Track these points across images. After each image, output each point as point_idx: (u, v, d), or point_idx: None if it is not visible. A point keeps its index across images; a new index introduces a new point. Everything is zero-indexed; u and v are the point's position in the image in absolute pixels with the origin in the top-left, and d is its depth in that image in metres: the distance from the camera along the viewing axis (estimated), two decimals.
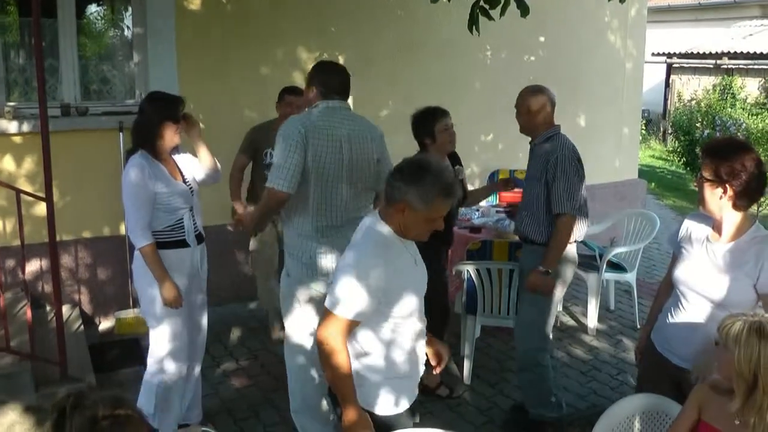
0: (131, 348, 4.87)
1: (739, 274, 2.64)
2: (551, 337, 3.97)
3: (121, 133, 4.97)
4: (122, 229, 5.14)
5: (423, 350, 2.66)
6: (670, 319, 2.84)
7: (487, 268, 4.39)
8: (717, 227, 2.75)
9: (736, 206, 2.65)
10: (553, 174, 3.60)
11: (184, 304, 3.52)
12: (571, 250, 3.81)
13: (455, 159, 4.32)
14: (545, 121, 3.76)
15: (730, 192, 2.61)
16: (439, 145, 4.08)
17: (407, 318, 2.50)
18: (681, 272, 2.81)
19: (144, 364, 4.58)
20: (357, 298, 2.34)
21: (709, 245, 2.75)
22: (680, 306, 2.80)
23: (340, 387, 2.37)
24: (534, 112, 3.73)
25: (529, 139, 3.89)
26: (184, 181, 3.56)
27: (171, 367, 3.57)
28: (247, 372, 4.60)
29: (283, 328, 3.61)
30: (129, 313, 5.13)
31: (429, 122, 4.07)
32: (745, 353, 2.11)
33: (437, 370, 2.83)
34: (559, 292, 3.87)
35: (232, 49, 5.37)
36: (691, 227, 2.87)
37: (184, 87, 5.21)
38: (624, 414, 2.66)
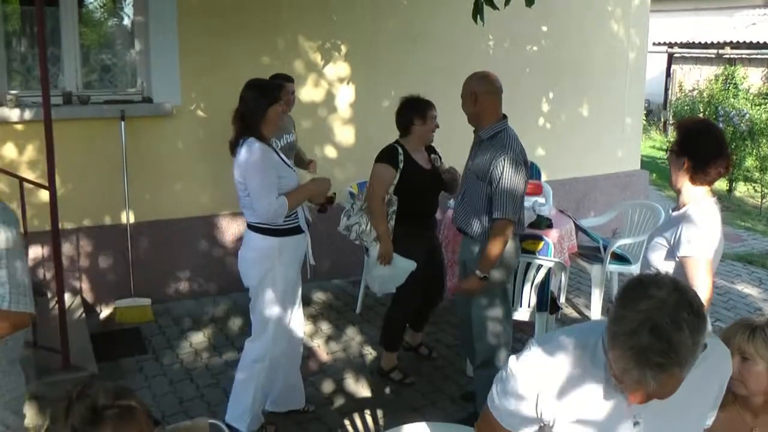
0: (132, 337, 4.87)
1: (662, 240, 2.88)
2: (511, 330, 3.86)
3: (122, 122, 4.95)
4: (123, 218, 5.13)
5: None
6: None
7: None
8: (677, 198, 2.95)
9: (692, 179, 2.83)
10: (499, 176, 3.42)
11: (294, 291, 3.61)
12: (514, 242, 3.72)
13: (430, 149, 4.29)
14: (493, 111, 3.55)
15: (687, 164, 2.80)
16: (426, 130, 4.10)
17: None
18: None
19: (145, 352, 4.62)
20: None
21: (668, 216, 3.01)
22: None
23: None
24: (481, 100, 3.51)
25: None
26: (289, 166, 3.58)
27: (276, 350, 3.62)
28: None
29: None
30: (130, 302, 5.13)
31: (423, 106, 4.10)
32: None
33: None
34: (504, 277, 3.72)
35: (233, 38, 5.33)
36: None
37: (185, 75, 5.20)
38: None
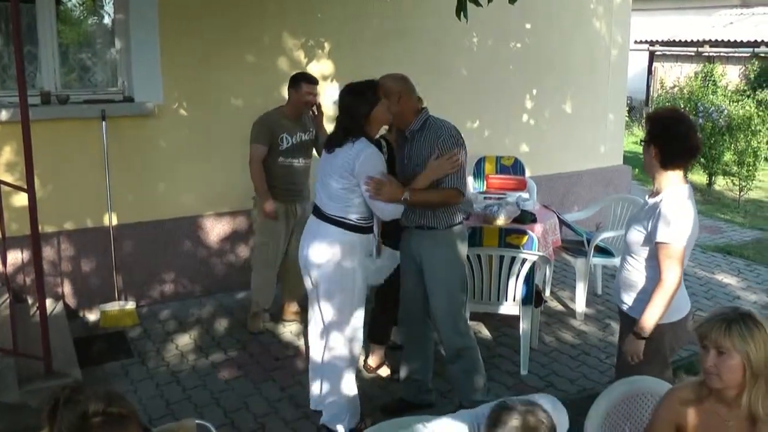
0: (117, 341, 4.81)
1: (639, 226, 3.01)
2: (468, 319, 3.89)
3: (103, 122, 4.89)
4: (106, 220, 5.07)
5: None
6: (618, 274, 3.25)
7: (477, 254, 4.37)
8: (653, 186, 3.07)
9: (663, 165, 2.94)
10: (443, 155, 3.54)
11: (365, 286, 3.69)
12: (461, 228, 3.77)
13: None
14: (414, 106, 3.66)
15: (657, 151, 2.92)
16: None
17: None
18: None
19: (131, 356, 4.56)
20: None
21: (645, 203, 3.10)
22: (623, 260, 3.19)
23: None
24: (404, 99, 3.60)
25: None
26: None
27: (357, 349, 3.71)
28: (236, 362, 4.55)
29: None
30: (114, 306, 5.07)
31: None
32: (757, 348, 2.10)
33: None
34: (462, 271, 3.80)
35: (216, 36, 5.28)
36: None
37: (167, 74, 5.15)
38: (617, 397, 2.66)
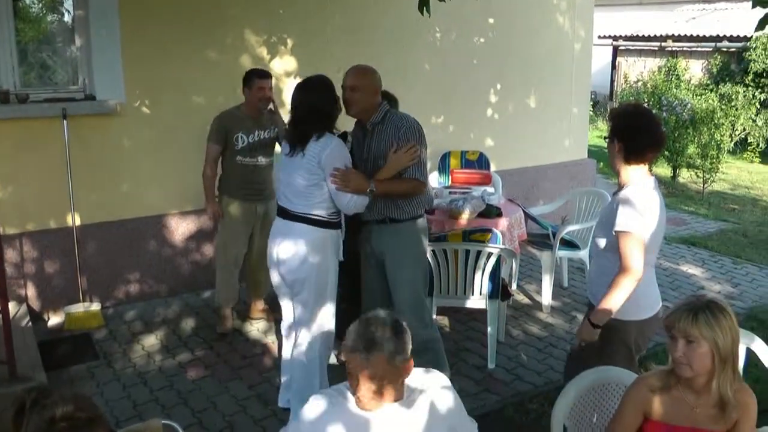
0: (82, 343, 4.75)
1: (607, 223, 2.98)
2: (435, 313, 3.95)
3: (64, 121, 4.82)
4: (69, 221, 5.00)
5: None
6: (589, 270, 3.25)
7: (443, 249, 4.39)
8: (619, 183, 3.06)
9: (628, 161, 2.96)
10: (401, 147, 3.58)
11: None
12: (423, 221, 3.83)
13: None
14: (379, 100, 3.70)
15: (621, 147, 2.94)
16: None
17: None
18: None
19: (97, 358, 4.51)
20: None
21: (612, 198, 3.09)
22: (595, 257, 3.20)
23: None
24: (375, 91, 3.66)
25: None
26: None
27: (329, 344, 3.76)
28: (203, 362, 4.53)
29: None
30: (79, 308, 5.00)
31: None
32: (723, 334, 2.14)
33: None
34: (424, 266, 3.86)
35: (178, 33, 5.23)
36: None
37: (129, 72, 5.09)
38: (585, 387, 2.69)
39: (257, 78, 4.64)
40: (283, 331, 3.88)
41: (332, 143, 3.45)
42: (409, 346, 2.17)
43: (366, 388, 2.09)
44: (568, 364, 3.47)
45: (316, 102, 3.47)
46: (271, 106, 4.80)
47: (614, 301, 2.90)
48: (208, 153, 4.66)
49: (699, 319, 2.15)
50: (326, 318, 3.67)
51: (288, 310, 3.76)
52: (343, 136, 4.06)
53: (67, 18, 5.26)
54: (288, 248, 3.55)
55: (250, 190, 4.74)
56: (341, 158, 3.47)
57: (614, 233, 2.91)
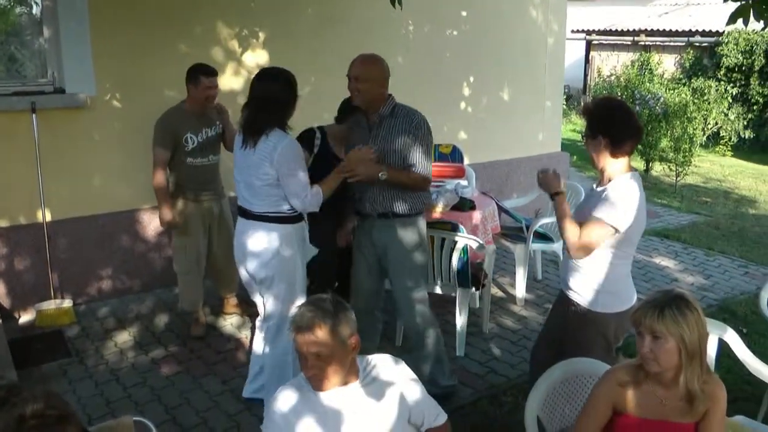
0: (54, 341, 4.69)
1: (584, 211, 3.02)
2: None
3: (34, 115, 4.75)
4: (39, 217, 4.93)
5: None
6: (563, 261, 3.26)
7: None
8: (600, 176, 3.06)
9: (613, 154, 2.95)
10: (413, 141, 3.56)
11: (303, 278, 3.69)
12: (423, 217, 3.83)
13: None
14: (386, 92, 3.64)
15: (605, 142, 2.92)
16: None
17: None
18: None
19: (69, 355, 4.46)
20: None
21: (591, 192, 3.12)
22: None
23: None
24: (382, 82, 3.58)
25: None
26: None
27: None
28: (176, 358, 4.50)
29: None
30: (50, 305, 4.94)
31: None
32: (690, 329, 2.16)
33: None
34: (426, 259, 3.89)
35: (149, 25, 5.17)
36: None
37: (99, 64, 5.02)
38: (557, 379, 2.72)
39: (203, 76, 4.44)
40: (258, 324, 3.88)
41: (283, 142, 3.40)
42: (354, 324, 2.27)
43: (315, 366, 2.18)
44: (535, 352, 3.48)
45: (276, 92, 3.43)
46: (218, 105, 4.66)
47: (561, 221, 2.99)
48: (157, 158, 4.44)
49: (665, 314, 2.16)
50: (289, 311, 3.64)
51: (261, 304, 3.76)
52: (312, 131, 4.05)
53: (35, 10, 5.17)
54: (254, 247, 3.55)
55: (202, 191, 4.59)
56: (294, 157, 3.43)
57: (591, 216, 2.91)
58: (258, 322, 3.88)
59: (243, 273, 3.71)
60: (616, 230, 2.90)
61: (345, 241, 4.31)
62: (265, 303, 3.69)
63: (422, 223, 3.81)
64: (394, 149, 3.58)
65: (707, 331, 2.25)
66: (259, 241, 3.53)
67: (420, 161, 3.59)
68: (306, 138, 4.07)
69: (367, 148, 3.54)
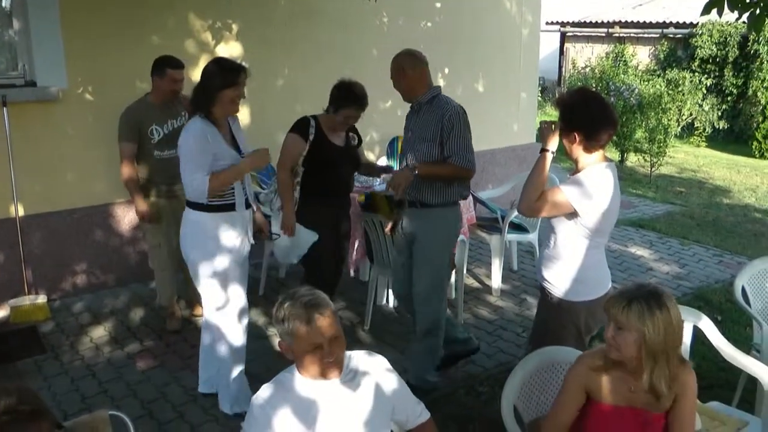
0: (28, 337, 4.65)
1: None
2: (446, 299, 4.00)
3: (4, 108, 4.69)
4: (12, 211, 4.88)
5: None
6: (539, 251, 3.28)
7: (374, 220, 4.52)
8: (575, 167, 3.04)
9: (587, 149, 2.94)
10: (449, 132, 3.63)
11: (236, 266, 3.60)
12: (455, 209, 3.87)
13: (351, 128, 4.29)
14: (423, 81, 3.77)
15: (579, 136, 2.91)
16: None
17: None
18: None
19: (44, 351, 4.42)
20: None
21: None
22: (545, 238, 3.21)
23: None
24: (409, 75, 3.74)
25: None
26: (238, 150, 3.58)
27: (236, 331, 3.72)
28: (152, 353, 4.48)
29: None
30: (24, 300, 4.89)
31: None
32: (655, 329, 2.17)
33: None
34: (447, 252, 3.92)
35: (121, 17, 5.12)
36: None
37: (70, 57, 4.97)
38: (532, 368, 2.74)
39: (169, 68, 4.38)
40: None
41: (190, 127, 3.43)
42: None
43: (336, 350, 2.15)
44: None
45: (203, 78, 3.45)
46: (182, 97, 4.55)
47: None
48: (123, 152, 4.39)
49: (632, 308, 2.18)
50: (231, 304, 3.65)
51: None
52: (306, 120, 4.05)
53: (5, 3, 5.10)
54: (185, 237, 3.60)
55: (176, 185, 4.41)
56: (186, 145, 3.41)
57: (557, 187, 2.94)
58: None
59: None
60: (576, 213, 2.91)
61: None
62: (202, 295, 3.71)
63: (452, 215, 3.84)
64: (425, 137, 3.68)
65: (680, 335, 2.25)
66: (187, 230, 3.57)
67: (456, 151, 3.64)
68: (301, 126, 4.09)
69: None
